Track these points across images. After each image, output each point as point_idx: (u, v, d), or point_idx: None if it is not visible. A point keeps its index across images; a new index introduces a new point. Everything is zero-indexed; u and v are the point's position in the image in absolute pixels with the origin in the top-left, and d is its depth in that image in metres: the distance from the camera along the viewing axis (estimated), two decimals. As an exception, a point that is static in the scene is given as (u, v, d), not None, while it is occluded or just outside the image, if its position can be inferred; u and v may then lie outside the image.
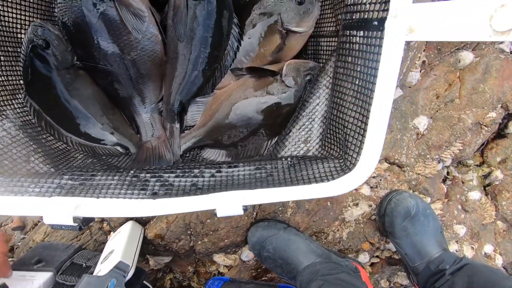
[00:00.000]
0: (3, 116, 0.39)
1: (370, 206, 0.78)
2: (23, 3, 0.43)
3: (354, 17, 0.30)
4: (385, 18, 0.25)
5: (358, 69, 0.30)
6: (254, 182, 0.32)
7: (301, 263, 0.66)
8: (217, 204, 0.29)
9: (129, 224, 0.67)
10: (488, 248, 0.91)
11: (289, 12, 0.47)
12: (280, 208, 0.73)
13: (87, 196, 0.30)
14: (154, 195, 0.31)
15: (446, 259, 0.63)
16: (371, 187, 0.82)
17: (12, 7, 0.41)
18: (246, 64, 0.51)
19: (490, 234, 0.94)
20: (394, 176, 0.84)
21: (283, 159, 0.34)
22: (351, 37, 0.31)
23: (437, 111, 0.86)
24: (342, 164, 0.33)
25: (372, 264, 0.82)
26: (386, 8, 0.25)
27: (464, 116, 0.83)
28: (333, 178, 0.31)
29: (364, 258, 0.79)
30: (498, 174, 0.95)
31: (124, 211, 0.29)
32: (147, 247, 0.72)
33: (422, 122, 0.85)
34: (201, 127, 0.52)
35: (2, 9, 0.39)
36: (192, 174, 0.33)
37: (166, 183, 0.32)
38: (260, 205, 0.71)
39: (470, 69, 0.86)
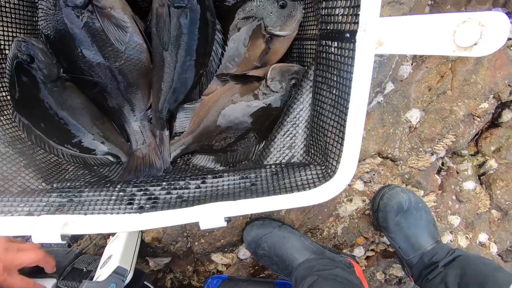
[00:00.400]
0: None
1: (364, 201, 0.80)
2: (4, 19, 0.43)
3: (328, 27, 0.31)
4: (356, 31, 0.25)
5: (335, 78, 0.31)
6: (238, 192, 0.33)
7: (296, 259, 0.68)
8: (200, 217, 0.30)
9: (126, 228, 0.68)
10: (482, 237, 0.93)
11: (272, 16, 0.47)
12: (275, 207, 0.74)
13: (75, 213, 0.31)
14: (141, 209, 0.32)
15: (439, 252, 0.65)
16: (364, 182, 0.83)
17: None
18: (232, 69, 0.51)
19: (485, 223, 0.95)
20: (388, 170, 0.84)
21: (267, 167, 0.35)
22: (327, 47, 0.31)
23: (429, 103, 0.86)
24: (324, 171, 0.33)
25: (367, 258, 0.84)
26: (356, 21, 0.25)
27: (456, 108, 0.83)
28: (315, 186, 0.31)
29: (359, 252, 0.81)
30: (492, 163, 0.96)
31: (111, 227, 0.30)
32: (146, 250, 0.74)
33: (414, 115, 0.85)
34: (190, 133, 0.53)
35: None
36: (178, 186, 0.34)
37: (152, 196, 0.33)
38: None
39: (462, 60, 0.86)
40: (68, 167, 0.47)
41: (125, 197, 0.33)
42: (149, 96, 0.55)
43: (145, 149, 0.53)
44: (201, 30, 0.48)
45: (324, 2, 0.32)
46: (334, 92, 0.31)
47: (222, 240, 0.72)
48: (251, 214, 0.74)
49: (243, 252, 0.77)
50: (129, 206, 0.32)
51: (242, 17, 0.50)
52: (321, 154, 0.36)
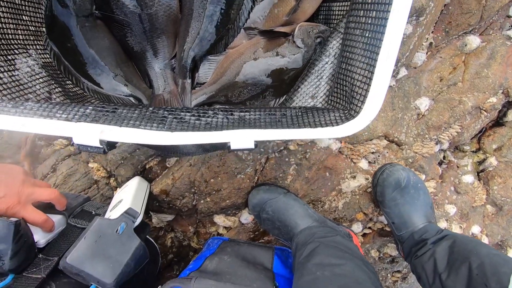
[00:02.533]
0: (27, 54, 0.41)
1: (367, 179, 0.82)
2: None
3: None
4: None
5: (369, 21, 0.32)
6: (264, 124, 0.35)
7: (298, 226, 0.70)
8: (231, 138, 0.32)
9: (136, 178, 0.70)
10: (475, 229, 0.96)
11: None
12: (281, 175, 0.77)
13: (111, 124, 0.32)
14: (172, 128, 0.34)
15: (429, 230, 0.67)
16: (369, 162, 0.85)
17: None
18: (260, 24, 0.52)
19: (479, 216, 0.98)
20: (392, 153, 0.87)
21: (292, 108, 0.37)
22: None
23: (439, 93, 0.88)
24: (346, 113, 0.35)
25: (364, 235, 0.86)
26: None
27: (465, 99, 0.85)
28: (338, 125, 0.33)
29: (357, 228, 0.83)
30: (492, 160, 0.98)
31: (145, 139, 0.31)
32: (152, 203, 0.76)
33: (423, 103, 0.87)
34: (211, 84, 0.54)
35: None
36: (207, 115, 0.36)
37: (183, 120, 0.35)
38: (262, 169, 0.74)
39: (475, 54, 0.88)
40: (93, 100, 0.49)
41: (157, 118, 0.35)
42: (174, 46, 0.57)
43: (166, 95, 0.55)
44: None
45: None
46: (366, 35, 0.33)
47: (227, 201, 0.74)
48: (258, 179, 0.76)
49: (245, 217, 0.80)
50: (161, 125, 0.34)
51: (274, -25, 0.51)
52: (343, 101, 0.38)
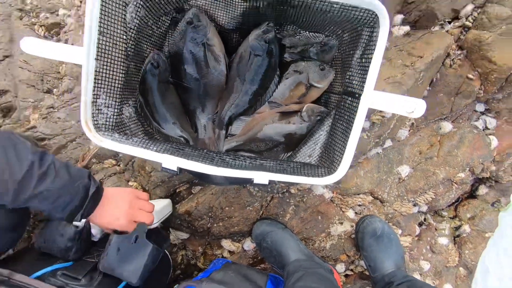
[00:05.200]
0: (128, 104, 0.64)
1: (352, 226, 0.99)
2: (150, 39, 0.70)
3: (348, 88, 0.55)
4: (361, 94, 0.49)
5: (346, 117, 0.54)
6: (275, 170, 0.55)
7: (290, 257, 0.86)
8: (255, 176, 0.52)
9: (167, 200, 0.89)
10: (447, 287, 1.08)
11: (314, 73, 0.73)
12: (281, 212, 0.94)
13: (182, 158, 0.53)
14: (217, 164, 0.54)
15: (397, 275, 0.82)
16: (355, 212, 1.02)
17: (144, 41, 0.68)
18: (280, 100, 0.75)
19: (452, 276, 1.11)
20: (376, 208, 1.04)
21: (294, 162, 0.57)
22: (345, 99, 0.55)
23: (418, 163, 1.08)
24: (328, 170, 0.55)
25: (346, 276, 1.00)
26: (362, 89, 0.49)
27: (438, 171, 1.05)
28: (322, 177, 0.53)
29: (340, 268, 0.97)
30: (466, 228, 1.14)
31: (201, 169, 0.52)
32: (175, 221, 0.93)
33: (404, 170, 1.07)
34: (240, 136, 0.76)
35: (141, 41, 0.66)
36: (240, 160, 0.57)
37: (225, 161, 0.56)
38: (267, 205, 0.93)
39: (448, 136, 1.09)
40: (157, 137, 0.71)
41: (209, 157, 0.55)
42: (217, 106, 0.80)
43: (207, 140, 0.77)
44: (266, 72, 0.74)
45: (348, 75, 0.57)
46: (344, 125, 0.54)
47: (236, 227, 0.92)
48: (262, 213, 0.94)
49: (248, 244, 0.96)
50: (210, 162, 0.54)
51: (294, 69, 0.76)
52: (328, 162, 0.58)
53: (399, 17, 1.00)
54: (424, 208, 1.12)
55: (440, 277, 1.08)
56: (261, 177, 0.52)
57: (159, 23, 0.69)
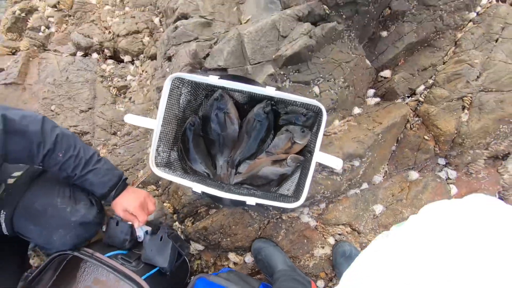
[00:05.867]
0: (173, 150, 1.02)
1: (331, 250, 1.24)
2: (191, 109, 1.09)
3: (309, 148, 0.88)
4: (313, 152, 0.82)
5: (307, 166, 0.86)
6: (261, 197, 0.88)
7: (278, 267, 1.14)
8: (247, 199, 0.85)
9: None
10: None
11: (297, 134, 1.08)
12: (275, 234, 1.24)
13: (205, 186, 0.88)
14: (226, 191, 0.89)
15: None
16: (335, 240, 1.28)
17: (187, 110, 1.07)
18: (273, 150, 1.10)
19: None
20: (353, 237, 1.30)
21: (276, 193, 0.88)
22: (306, 153, 0.88)
23: (390, 204, 1.35)
24: (295, 200, 0.87)
25: (325, 292, 1.24)
26: (314, 150, 0.82)
27: (404, 211, 1.31)
28: (292, 203, 0.85)
29: (320, 284, 1.22)
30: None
31: (216, 193, 0.86)
32: (194, 235, 1.25)
33: (378, 208, 1.33)
34: (245, 174, 1.11)
35: (185, 111, 1.05)
36: (241, 189, 0.90)
37: (231, 189, 0.90)
38: (264, 227, 1.22)
39: (415, 183, 1.36)
40: (190, 172, 1.07)
41: (224, 187, 0.90)
42: (230, 153, 1.16)
43: (222, 175, 1.12)
44: (264, 132, 1.10)
45: (310, 140, 0.91)
46: (305, 171, 0.87)
47: (239, 243, 1.22)
48: (260, 234, 1.24)
49: (248, 258, 1.25)
50: (221, 189, 0.88)
51: (285, 129, 1.11)
52: (296, 194, 0.90)
53: (371, 91, 1.36)
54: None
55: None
56: (250, 200, 0.85)
57: (197, 99, 1.09)
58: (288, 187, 0.99)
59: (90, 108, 1.53)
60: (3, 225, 0.85)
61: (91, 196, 0.95)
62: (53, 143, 0.80)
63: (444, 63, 1.26)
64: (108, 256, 0.94)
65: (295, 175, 1.00)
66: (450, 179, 1.36)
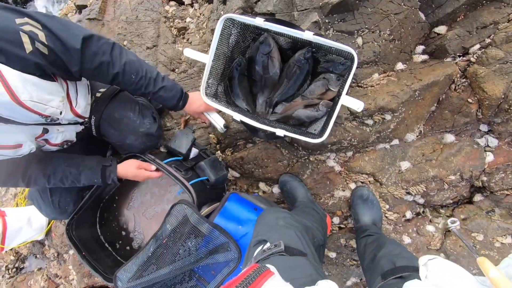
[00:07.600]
0: (221, 84, 1.19)
1: (351, 194, 1.38)
2: (238, 50, 1.23)
3: (338, 92, 0.98)
4: (340, 95, 0.93)
5: (333, 108, 0.98)
6: (291, 131, 1.03)
7: (299, 199, 1.33)
8: (277, 131, 1.01)
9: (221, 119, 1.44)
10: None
11: (332, 81, 1.17)
12: (301, 172, 1.41)
13: (244, 116, 1.06)
14: (261, 123, 1.05)
15: (372, 228, 1.21)
16: (356, 186, 1.41)
17: (235, 51, 1.22)
18: (309, 95, 1.22)
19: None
20: (374, 187, 1.42)
21: (304, 130, 1.02)
22: (336, 98, 0.99)
23: (418, 163, 1.41)
24: (319, 136, 1.01)
25: (340, 228, 1.41)
26: (341, 94, 0.93)
27: (430, 170, 1.36)
28: (316, 139, 0.99)
29: (336, 220, 1.39)
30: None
31: (252, 122, 1.04)
32: (233, 163, 1.48)
33: (404, 165, 1.41)
34: (280, 114, 1.25)
35: (234, 51, 1.20)
36: (274, 123, 1.06)
37: (267, 122, 1.06)
38: (293, 165, 1.40)
39: (449, 146, 1.39)
40: (232, 105, 1.25)
41: (260, 119, 1.06)
42: (269, 94, 1.30)
43: (260, 113, 1.28)
44: (303, 77, 1.20)
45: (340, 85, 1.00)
46: (330, 115, 0.99)
47: (269, 174, 1.42)
48: (288, 170, 1.42)
49: (275, 189, 1.45)
50: (258, 121, 1.05)
51: (323, 77, 1.20)
52: (321, 132, 1.03)
53: (420, 48, 1.34)
54: (421, 200, 1.44)
55: (417, 253, 1.40)
56: (280, 132, 1.01)
57: (245, 41, 1.23)
58: (315, 128, 1.12)
59: (154, 46, 1.76)
60: (93, 127, 1.15)
61: (155, 114, 1.20)
62: (122, 67, 1.00)
63: (509, 21, 1.18)
64: (165, 163, 1.21)
65: (324, 119, 1.12)
66: (490, 146, 1.35)
